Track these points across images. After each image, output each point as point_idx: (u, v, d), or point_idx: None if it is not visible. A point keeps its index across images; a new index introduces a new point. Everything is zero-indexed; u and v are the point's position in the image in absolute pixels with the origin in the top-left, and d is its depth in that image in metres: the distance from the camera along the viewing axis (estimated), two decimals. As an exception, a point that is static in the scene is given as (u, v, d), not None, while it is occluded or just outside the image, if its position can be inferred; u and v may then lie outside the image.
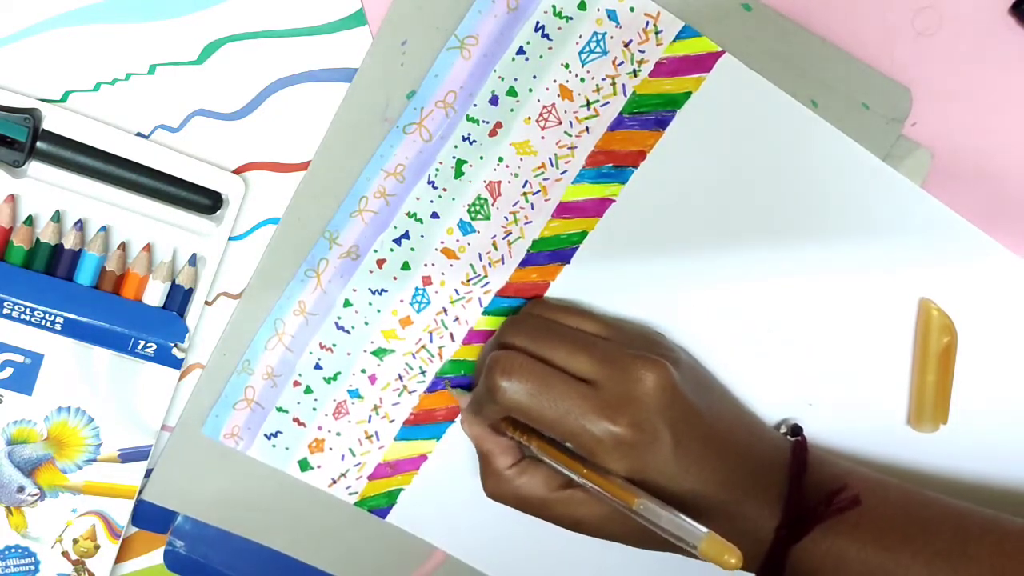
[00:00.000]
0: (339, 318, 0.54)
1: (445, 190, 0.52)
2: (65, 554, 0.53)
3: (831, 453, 0.55)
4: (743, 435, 0.51)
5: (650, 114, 0.51)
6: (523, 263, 0.54)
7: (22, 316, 0.50)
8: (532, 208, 0.53)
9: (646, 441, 0.47)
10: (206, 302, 0.53)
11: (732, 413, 0.53)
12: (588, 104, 0.51)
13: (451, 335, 0.54)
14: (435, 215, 0.53)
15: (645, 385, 0.48)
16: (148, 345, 0.51)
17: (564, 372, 0.48)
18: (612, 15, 0.50)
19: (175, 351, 0.52)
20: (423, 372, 0.55)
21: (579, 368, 0.48)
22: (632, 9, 0.50)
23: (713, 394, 0.53)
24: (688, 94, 0.51)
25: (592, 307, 0.54)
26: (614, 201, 0.53)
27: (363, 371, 0.54)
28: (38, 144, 0.49)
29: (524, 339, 0.50)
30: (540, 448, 0.49)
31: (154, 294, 0.51)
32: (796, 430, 0.54)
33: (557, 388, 0.47)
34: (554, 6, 0.50)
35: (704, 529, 0.43)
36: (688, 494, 0.48)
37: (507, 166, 0.52)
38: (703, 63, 0.51)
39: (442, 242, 0.53)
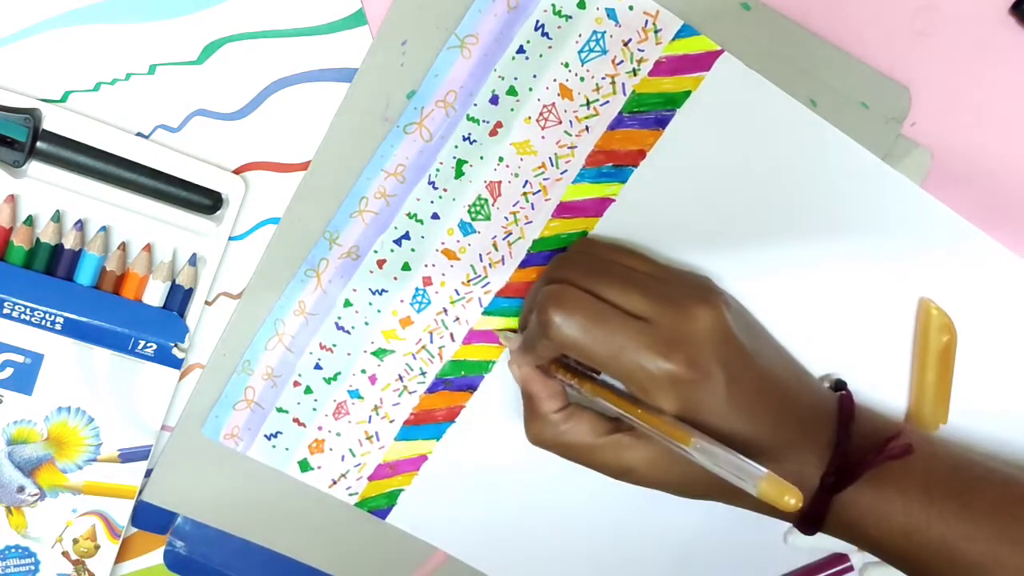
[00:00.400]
0: (339, 318, 0.54)
1: (445, 190, 0.52)
2: (65, 554, 0.53)
3: (877, 410, 0.54)
4: (792, 382, 0.51)
5: (650, 113, 0.51)
6: (523, 263, 0.54)
7: (22, 316, 0.50)
8: (532, 208, 0.53)
9: (699, 379, 0.46)
10: (206, 302, 0.53)
11: (782, 360, 0.53)
12: (588, 103, 0.51)
13: (451, 335, 0.54)
14: (435, 215, 0.53)
15: (699, 324, 0.47)
16: (148, 345, 0.51)
17: (617, 308, 0.47)
18: (611, 14, 0.50)
19: (175, 351, 0.52)
20: (423, 372, 0.55)
21: (632, 305, 0.47)
22: (631, 8, 0.50)
23: (763, 340, 0.52)
24: (687, 93, 0.51)
25: (640, 247, 0.54)
26: (614, 200, 0.53)
27: (363, 371, 0.54)
28: (38, 144, 0.49)
29: (576, 274, 0.49)
30: (592, 390, 0.48)
31: (154, 294, 0.51)
32: (840, 384, 0.54)
33: (611, 324, 0.47)
34: (554, 5, 0.50)
35: (763, 469, 0.42)
36: (737, 436, 0.47)
37: (507, 166, 0.52)
38: (702, 62, 0.51)
39: (442, 243, 0.53)
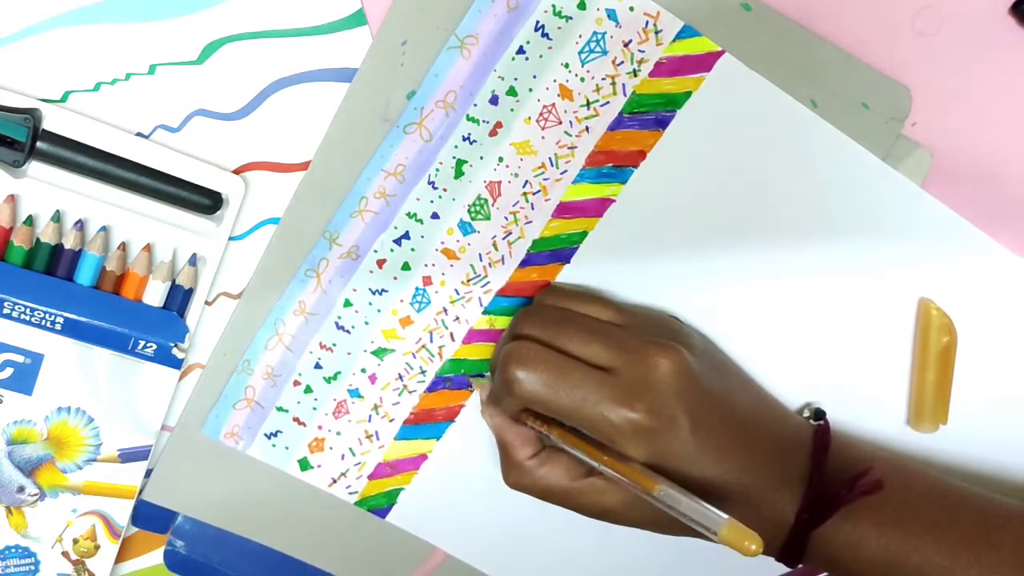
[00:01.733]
0: (339, 318, 0.54)
1: (445, 190, 0.52)
2: (65, 554, 0.53)
3: (854, 438, 0.54)
4: (764, 419, 0.51)
5: (650, 114, 0.51)
6: (523, 263, 0.54)
7: (22, 316, 0.50)
8: (532, 208, 0.53)
9: (663, 427, 0.47)
10: (206, 302, 0.53)
11: (752, 397, 0.53)
12: (588, 104, 0.51)
13: (451, 335, 0.54)
14: (435, 215, 0.53)
15: (660, 371, 0.47)
16: (148, 345, 0.51)
17: (579, 360, 0.48)
18: (612, 14, 0.50)
19: (175, 351, 0.52)
20: (423, 372, 0.55)
21: (594, 356, 0.48)
22: (632, 8, 0.50)
23: (732, 378, 0.53)
24: (688, 94, 0.51)
25: (604, 293, 0.54)
26: (614, 201, 0.53)
27: (363, 371, 0.54)
28: (38, 144, 0.49)
29: (538, 329, 0.50)
30: (561, 437, 0.49)
31: (154, 294, 0.51)
32: (819, 414, 0.54)
33: (573, 377, 0.47)
34: (554, 5, 0.50)
35: (724, 516, 0.43)
36: (708, 479, 0.48)
37: (507, 166, 0.52)
38: (703, 63, 0.51)
39: (442, 242, 0.53)
